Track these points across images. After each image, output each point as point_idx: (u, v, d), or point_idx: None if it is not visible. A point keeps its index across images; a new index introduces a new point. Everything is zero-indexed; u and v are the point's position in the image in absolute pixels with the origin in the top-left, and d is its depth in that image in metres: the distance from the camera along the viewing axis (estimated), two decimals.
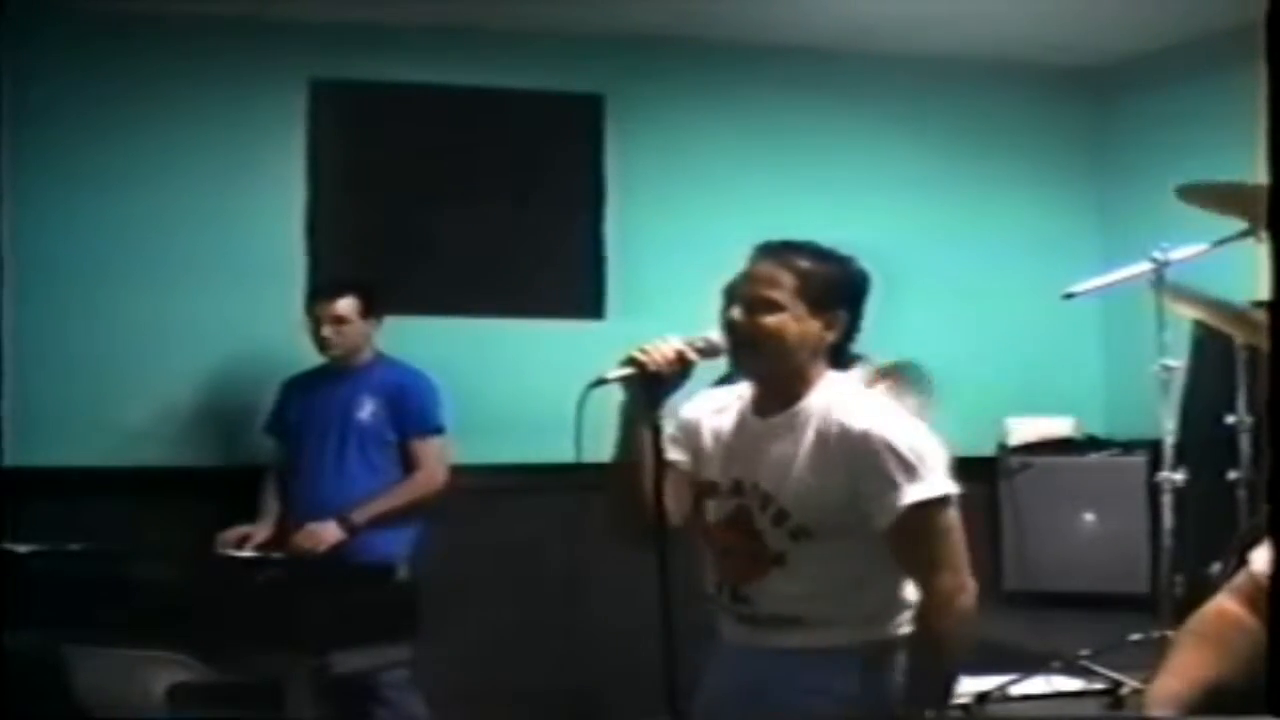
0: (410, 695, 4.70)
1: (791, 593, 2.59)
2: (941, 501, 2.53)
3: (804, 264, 2.65)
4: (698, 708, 2.66)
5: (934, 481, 2.52)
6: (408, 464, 4.85)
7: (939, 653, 2.53)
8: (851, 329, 2.70)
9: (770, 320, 2.61)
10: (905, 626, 2.61)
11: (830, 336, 2.65)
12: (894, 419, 2.60)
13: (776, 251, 2.67)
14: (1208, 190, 4.16)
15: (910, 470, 2.51)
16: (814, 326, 2.63)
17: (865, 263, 2.74)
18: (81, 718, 3.58)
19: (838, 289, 2.67)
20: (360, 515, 4.63)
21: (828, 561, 2.56)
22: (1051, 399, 5.91)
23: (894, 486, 2.51)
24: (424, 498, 4.82)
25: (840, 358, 2.70)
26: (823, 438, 2.58)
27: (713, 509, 2.68)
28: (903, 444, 2.53)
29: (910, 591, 2.61)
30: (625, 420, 2.61)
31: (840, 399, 2.62)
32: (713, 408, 2.75)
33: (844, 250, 2.73)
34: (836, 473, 2.55)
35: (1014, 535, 5.66)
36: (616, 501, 2.66)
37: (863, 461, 2.53)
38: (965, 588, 2.52)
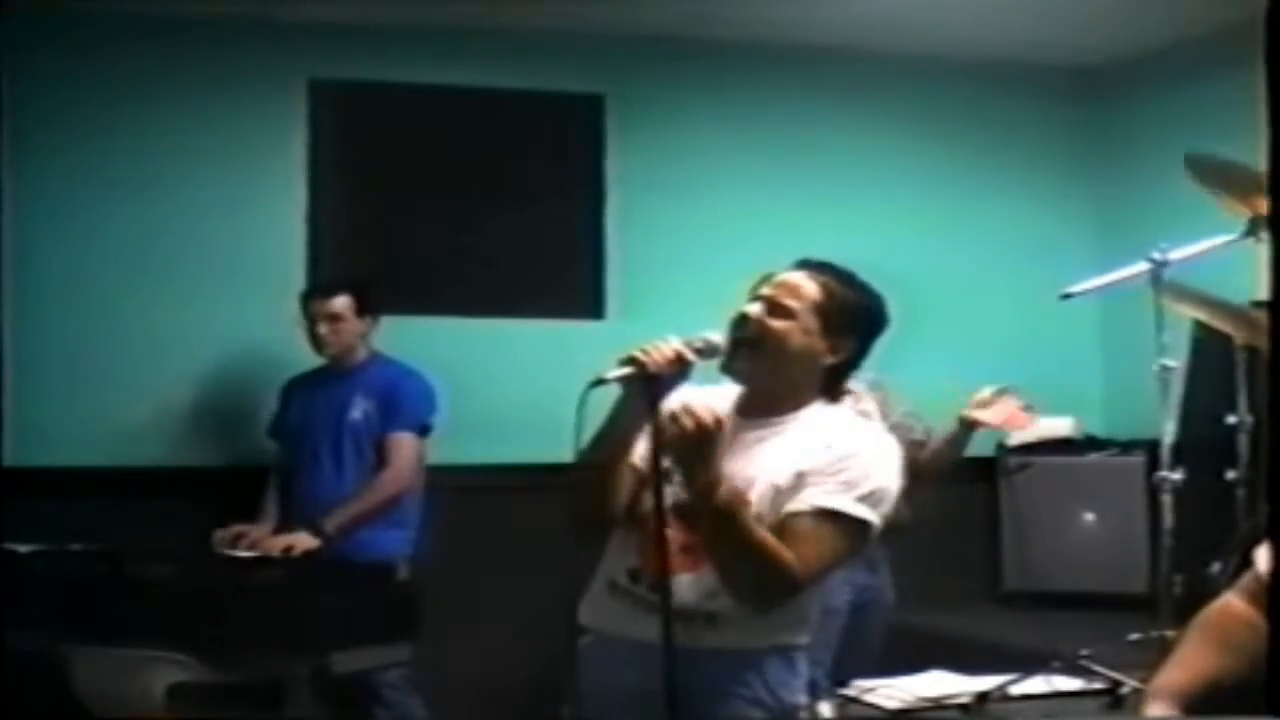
0: (410, 695, 4.70)
1: (715, 588, 2.57)
2: (848, 520, 2.54)
3: (833, 285, 2.69)
4: (592, 707, 2.64)
5: (858, 504, 2.55)
6: (382, 460, 4.82)
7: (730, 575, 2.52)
8: (853, 361, 2.73)
9: (780, 325, 2.64)
10: (806, 637, 2.65)
11: (830, 360, 2.68)
12: (869, 443, 2.65)
13: (813, 267, 2.72)
14: (1216, 167, 4.14)
15: (847, 485, 2.55)
16: (819, 346, 2.67)
17: (873, 282, 2.75)
18: (81, 718, 3.58)
19: (854, 317, 2.70)
20: (331, 523, 4.56)
21: None
22: (1051, 399, 5.91)
23: (822, 490, 2.54)
24: (391, 496, 4.76)
25: (834, 387, 2.72)
26: (799, 448, 2.59)
27: (664, 494, 2.64)
28: (857, 462, 2.58)
29: (805, 605, 2.64)
30: (612, 420, 2.60)
31: (830, 422, 2.66)
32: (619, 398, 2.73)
33: (878, 284, 2.75)
34: (797, 479, 2.57)
35: (1013, 535, 5.67)
36: (580, 499, 2.67)
37: (817, 464, 2.57)
38: (793, 584, 2.51)
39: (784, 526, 2.53)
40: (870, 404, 3.99)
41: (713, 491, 2.46)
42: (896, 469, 2.65)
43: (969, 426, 4.07)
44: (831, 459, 2.57)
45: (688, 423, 2.45)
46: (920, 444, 4.10)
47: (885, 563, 4.11)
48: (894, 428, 4.04)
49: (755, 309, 2.67)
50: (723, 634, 2.58)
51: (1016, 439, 5.84)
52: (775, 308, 2.66)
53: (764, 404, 2.67)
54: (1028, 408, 4.17)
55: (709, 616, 2.57)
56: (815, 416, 2.67)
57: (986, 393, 4.17)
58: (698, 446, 2.46)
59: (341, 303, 4.86)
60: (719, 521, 2.48)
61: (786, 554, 2.49)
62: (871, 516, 2.57)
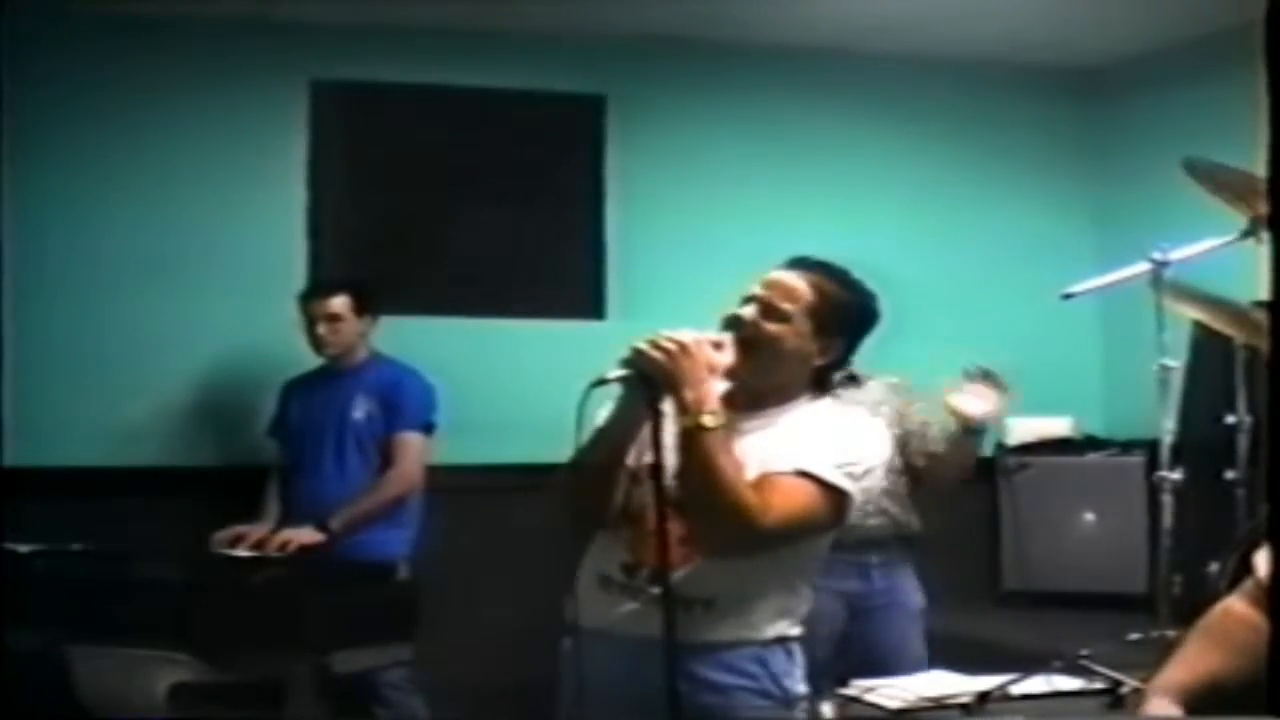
0: (410, 694, 4.71)
1: (713, 576, 2.59)
2: (824, 485, 2.57)
3: (827, 286, 2.71)
4: (591, 705, 2.63)
5: (836, 471, 2.58)
6: (387, 460, 4.83)
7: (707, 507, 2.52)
8: (842, 360, 2.77)
9: (774, 328, 2.66)
10: (799, 629, 2.67)
11: (820, 361, 2.72)
12: (853, 422, 2.70)
13: (807, 266, 2.73)
14: (1213, 170, 4.14)
15: (827, 454, 2.58)
16: (812, 347, 2.69)
17: (873, 283, 2.78)
18: (82, 718, 3.58)
19: (846, 319, 2.73)
20: (337, 521, 4.57)
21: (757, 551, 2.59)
22: (1050, 399, 5.91)
23: (804, 455, 2.57)
24: (399, 495, 4.78)
25: (821, 383, 2.75)
26: (792, 440, 2.61)
27: (653, 492, 2.63)
28: (840, 438, 2.62)
29: (798, 599, 2.67)
30: (613, 419, 2.62)
31: (818, 414, 2.69)
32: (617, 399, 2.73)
33: (869, 281, 2.78)
34: (788, 455, 2.59)
35: (1013, 535, 5.67)
36: (579, 498, 2.68)
37: (816, 438, 2.60)
38: (750, 525, 2.51)
39: (761, 481, 2.55)
40: (888, 407, 3.99)
41: (691, 409, 2.49)
42: (880, 448, 2.70)
43: (967, 429, 4.02)
44: (817, 437, 2.61)
45: (666, 345, 2.50)
46: (935, 454, 4.08)
47: (892, 567, 4.08)
48: (909, 434, 4.04)
49: (749, 311, 2.67)
50: (723, 623, 2.60)
51: (1016, 439, 5.85)
52: (769, 310, 2.67)
53: (751, 399, 2.68)
54: (994, 381, 4.04)
55: (707, 603, 2.59)
56: (804, 410, 2.69)
57: (954, 385, 4.05)
58: (675, 367, 2.49)
59: (340, 303, 4.86)
60: (690, 441, 2.50)
61: (752, 496, 2.50)
62: (849, 486, 2.59)
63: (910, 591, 4.11)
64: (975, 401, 3.97)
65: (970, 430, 3.98)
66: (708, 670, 2.58)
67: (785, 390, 2.70)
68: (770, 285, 2.70)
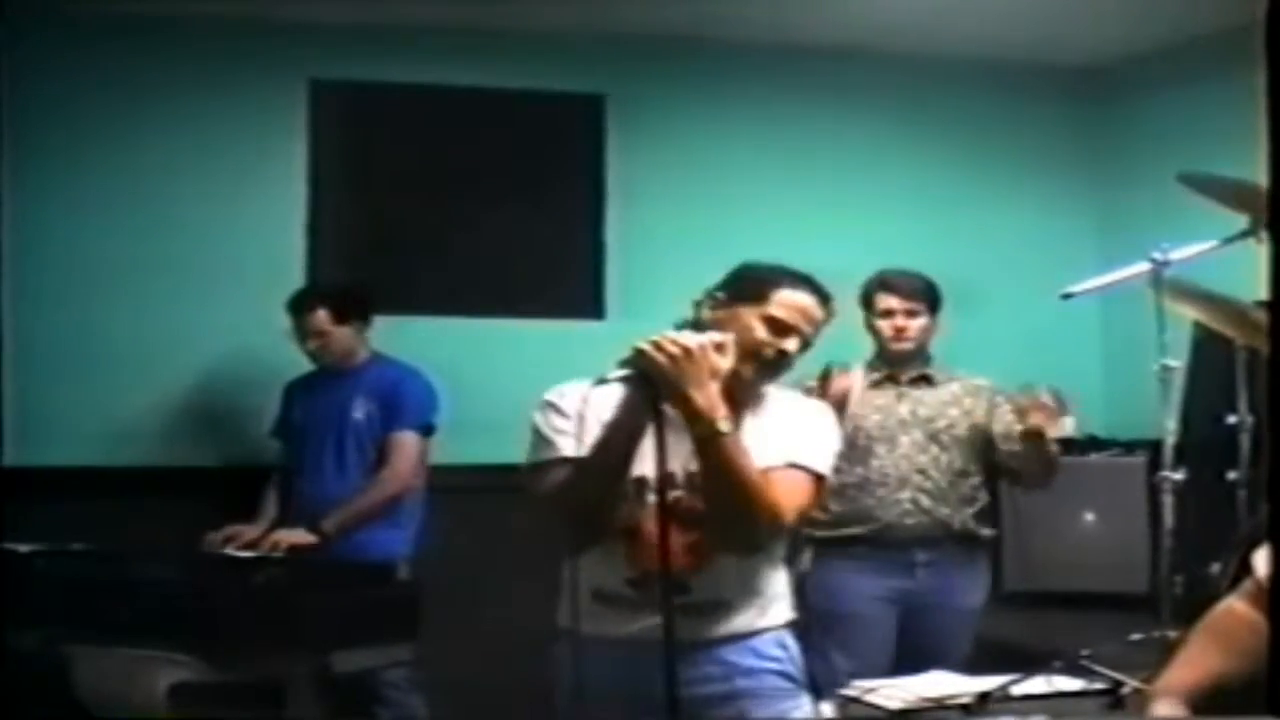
0: (411, 694, 4.71)
1: (725, 577, 2.68)
2: (813, 474, 2.72)
3: (829, 314, 2.82)
4: (595, 710, 2.64)
5: (820, 460, 2.73)
6: (384, 460, 4.82)
7: (736, 514, 2.60)
8: None
9: (798, 355, 2.79)
10: (791, 613, 2.80)
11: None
12: (813, 411, 2.87)
13: (820, 293, 2.81)
14: (1210, 182, 4.15)
15: (812, 445, 2.73)
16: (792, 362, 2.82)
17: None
18: (82, 718, 3.58)
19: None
20: (330, 522, 4.58)
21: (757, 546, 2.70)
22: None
23: (796, 447, 2.69)
24: (392, 495, 4.78)
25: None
26: (769, 429, 2.71)
27: (647, 502, 2.64)
28: (818, 428, 2.78)
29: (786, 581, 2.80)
30: (617, 425, 2.62)
31: (782, 400, 2.82)
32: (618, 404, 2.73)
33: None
34: (774, 450, 2.68)
35: (1014, 535, 5.66)
36: (582, 506, 2.67)
37: (792, 430, 2.73)
38: (777, 521, 2.64)
39: (771, 475, 2.65)
40: (958, 409, 4.06)
41: (705, 417, 2.54)
42: (836, 431, 2.85)
43: (1032, 439, 4.10)
44: (795, 428, 2.74)
45: (670, 349, 2.54)
46: (1015, 453, 4.14)
47: (943, 566, 4.10)
48: (995, 435, 4.13)
49: (793, 345, 2.74)
50: (741, 617, 2.71)
51: None
52: (805, 346, 2.78)
53: (728, 398, 2.68)
54: (1058, 400, 4.12)
55: (724, 604, 2.69)
56: (766, 404, 2.78)
57: (1023, 399, 4.14)
58: (678, 370, 2.53)
59: (320, 317, 4.85)
60: (709, 447, 2.55)
61: (771, 494, 2.61)
62: (829, 472, 2.76)
63: (961, 591, 4.14)
64: (1049, 422, 4.06)
65: (1041, 444, 4.09)
66: (737, 656, 2.70)
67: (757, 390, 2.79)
68: (812, 322, 2.78)
